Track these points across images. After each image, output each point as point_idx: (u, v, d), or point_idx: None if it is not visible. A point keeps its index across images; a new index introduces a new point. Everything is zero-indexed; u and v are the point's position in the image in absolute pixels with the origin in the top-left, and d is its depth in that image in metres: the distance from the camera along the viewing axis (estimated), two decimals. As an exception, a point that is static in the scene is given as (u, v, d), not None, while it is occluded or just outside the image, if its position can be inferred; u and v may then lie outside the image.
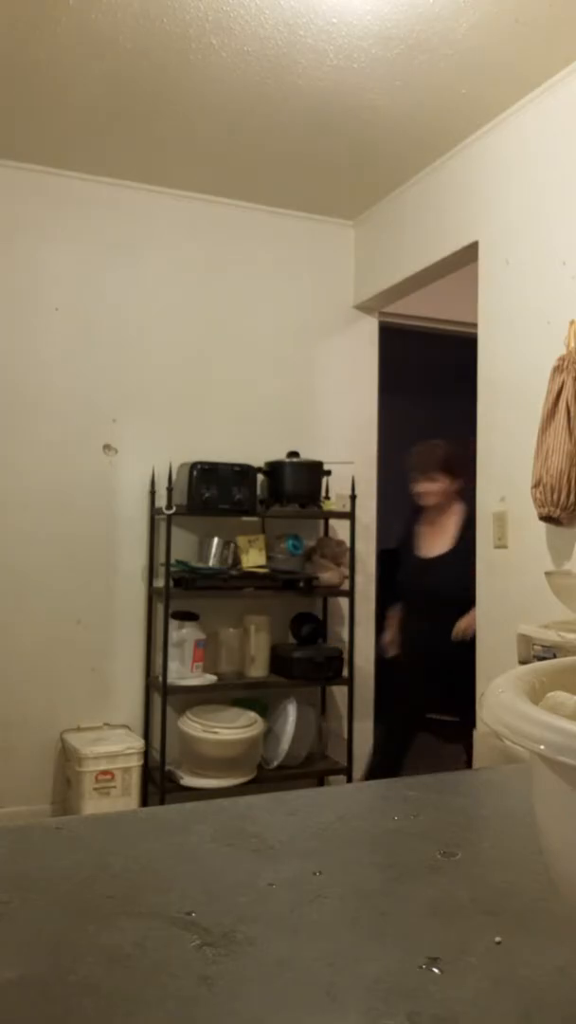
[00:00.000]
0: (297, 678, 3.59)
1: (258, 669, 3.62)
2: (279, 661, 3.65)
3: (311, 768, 3.67)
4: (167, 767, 3.44)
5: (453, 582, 3.21)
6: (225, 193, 3.78)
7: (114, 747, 3.34)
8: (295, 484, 3.60)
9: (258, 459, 3.66)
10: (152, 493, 3.63)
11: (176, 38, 2.63)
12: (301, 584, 3.63)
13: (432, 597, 3.30)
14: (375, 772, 3.44)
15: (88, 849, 0.66)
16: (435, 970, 0.47)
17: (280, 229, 3.96)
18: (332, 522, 3.98)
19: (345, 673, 3.73)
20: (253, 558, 3.64)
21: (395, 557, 3.58)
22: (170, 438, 3.69)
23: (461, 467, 3.30)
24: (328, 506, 3.80)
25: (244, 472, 3.55)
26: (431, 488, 3.29)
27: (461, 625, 3.21)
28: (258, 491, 3.64)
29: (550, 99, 2.85)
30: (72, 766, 3.33)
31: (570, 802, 0.38)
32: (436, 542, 3.33)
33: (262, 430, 3.81)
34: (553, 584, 2.35)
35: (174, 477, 3.60)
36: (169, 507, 3.50)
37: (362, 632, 3.98)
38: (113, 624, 3.65)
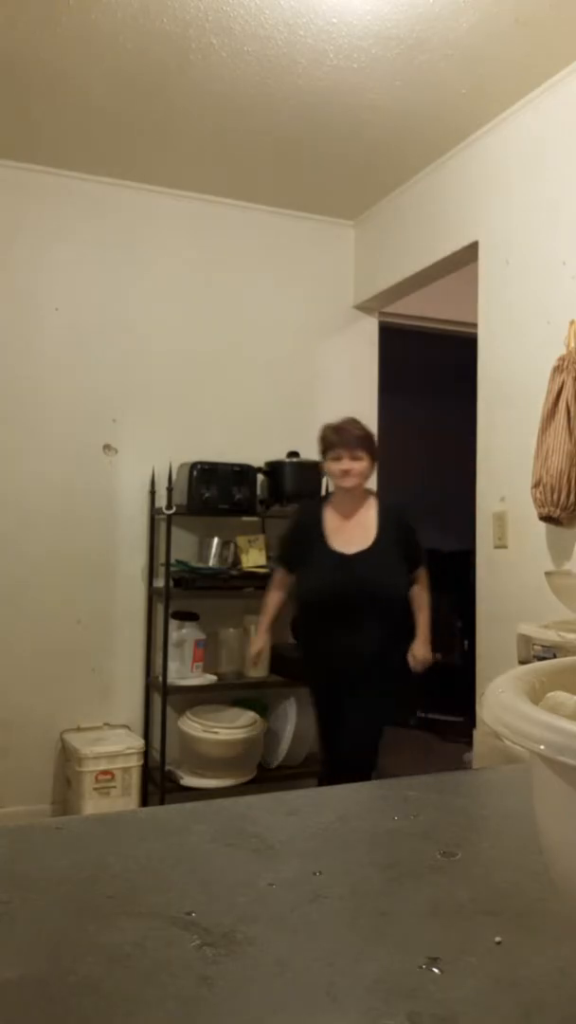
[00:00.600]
0: (297, 678, 3.59)
1: (258, 669, 3.62)
2: (279, 661, 3.65)
3: (311, 768, 3.67)
4: (167, 767, 3.44)
5: (380, 585, 2.77)
6: (225, 193, 3.78)
7: (114, 747, 3.33)
8: (295, 484, 3.60)
9: (258, 459, 3.66)
10: (152, 493, 3.63)
11: (176, 38, 2.63)
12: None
13: (352, 601, 2.76)
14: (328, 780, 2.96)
15: (88, 849, 0.66)
16: (435, 970, 0.47)
17: (280, 229, 3.95)
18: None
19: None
20: (253, 558, 3.64)
21: (304, 551, 2.91)
22: (170, 438, 3.69)
23: (375, 451, 2.92)
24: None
25: (244, 472, 3.55)
26: (355, 468, 2.80)
27: (419, 653, 2.89)
28: (258, 491, 3.64)
29: (550, 99, 2.85)
30: (72, 766, 3.33)
31: (570, 802, 0.38)
32: (354, 536, 2.82)
33: (262, 430, 3.81)
34: (553, 584, 2.35)
35: (174, 477, 3.59)
36: (169, 507, 3.50)
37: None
38: (113, 624, 3.65)
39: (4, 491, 3.47)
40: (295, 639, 3.13)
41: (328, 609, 2.79)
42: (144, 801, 3.41)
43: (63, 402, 3.56)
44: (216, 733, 3.38)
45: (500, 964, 0.48)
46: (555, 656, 2.12)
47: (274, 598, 3.05)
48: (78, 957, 0.48)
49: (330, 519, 2.87)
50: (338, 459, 2.80)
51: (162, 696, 3.45)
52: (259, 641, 3.13)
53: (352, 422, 2.86)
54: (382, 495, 2.97)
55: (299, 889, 0.58)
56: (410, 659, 2.90)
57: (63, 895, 0.57)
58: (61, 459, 3.55)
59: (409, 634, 2.92)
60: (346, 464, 2.79)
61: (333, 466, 2.82)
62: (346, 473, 2.80)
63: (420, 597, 2.93)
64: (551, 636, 2.19)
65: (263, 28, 2.58)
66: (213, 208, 3.83)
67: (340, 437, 2.81)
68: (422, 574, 2.93)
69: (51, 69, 2.81)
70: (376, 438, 3.04)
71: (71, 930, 0.52)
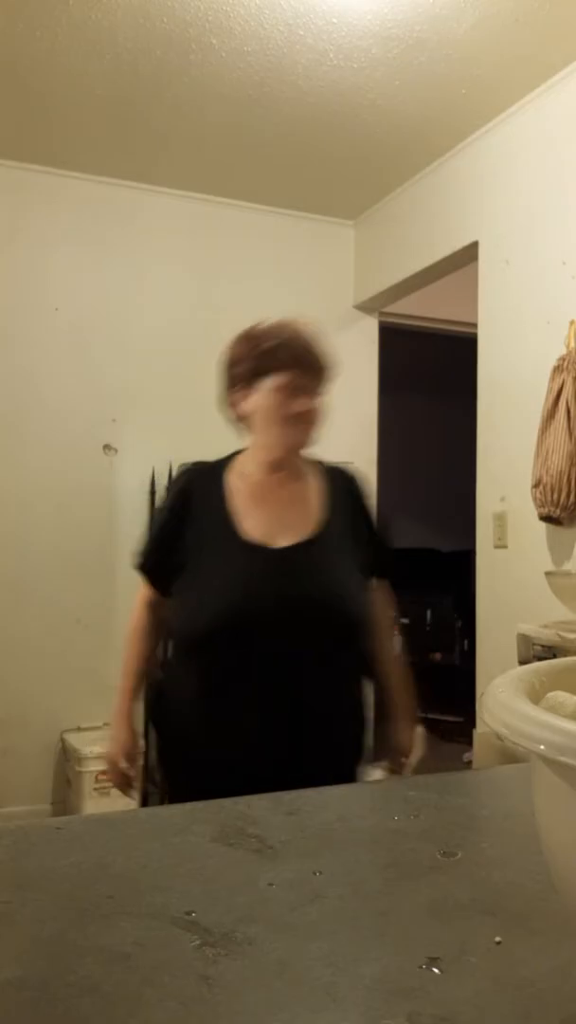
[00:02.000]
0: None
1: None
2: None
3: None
4: (167, 767, 3.44)
5: (336, 600, 1.52)
6: (225, 193, 3.78)
7: (114, 747, 3.33)
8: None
9: (258, 459, 3.65)
10: (152, 493, 3.63)
11: (176, 38, 2.63)
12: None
13: (289, 633, 1.47)
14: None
15: (88, 849, 0.66)
16: (435, 970, 0.47)
17: (280, 229, 3.95)
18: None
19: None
20: (253, 558, 3.63)
21: (191, 547, 1.60)
22: (170, 438, 3.69)
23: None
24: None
25: (244, 472, 3.54)
26: (319, 410, 1.59)
27: (403, 743, 1.65)
28: (258, 491, 3.63)
29: (550, 99, 2.85)
30: (72, 766, 3.33)
31: (570, 802, 0.38)
32: (284, 519, 1.57)
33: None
34: (553, 584, 2.35)
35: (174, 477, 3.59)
36: (169, 507, 3.49)
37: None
38: (113, 624, 3.64)
39: (4, 491, 3.47)
40: (156, 720, 1.70)
41: (241, 651, 1.45)
42: (144, 801, 3.40)
43: (63, 402, 3.56)
44: (216, 733, 3.37)
45: (500, 964, 0.48)
46: (555, 656, 2.12)
47: (139, 639, 1.74)
48: (78, 957, 0.48)
49: (239, 493, 1.59)
50: (292, 390, 1.54)
51: (162, 696, 3.45)
52: (119, 737, 1.68)
53: (309, 329, 1.65)
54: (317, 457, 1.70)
55: (299, 889, 0.58)
56: (388, 761, 1.66)
57: (63, 895, 0.57)
58: (61, 459, 3.55)
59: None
60: (306, 402, 1.55)
61: (280, 403, 1.54)
62: (306, 418, 1.56)
63: (385, 633, 1.68)
64: (551, 636, 2.19)
65: (263, 28, 2.58)
66: (213, 208, 3.83)
67: (300, 356, 1.57)
68: (384, 589, 1.69)
69: (51, 69, 2.81)
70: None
71: (71, 930, 0.52)
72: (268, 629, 1.46)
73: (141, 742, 1.76)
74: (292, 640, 1.47)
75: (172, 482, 1.76)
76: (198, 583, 1.52)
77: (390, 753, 1.65)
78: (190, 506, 1.61)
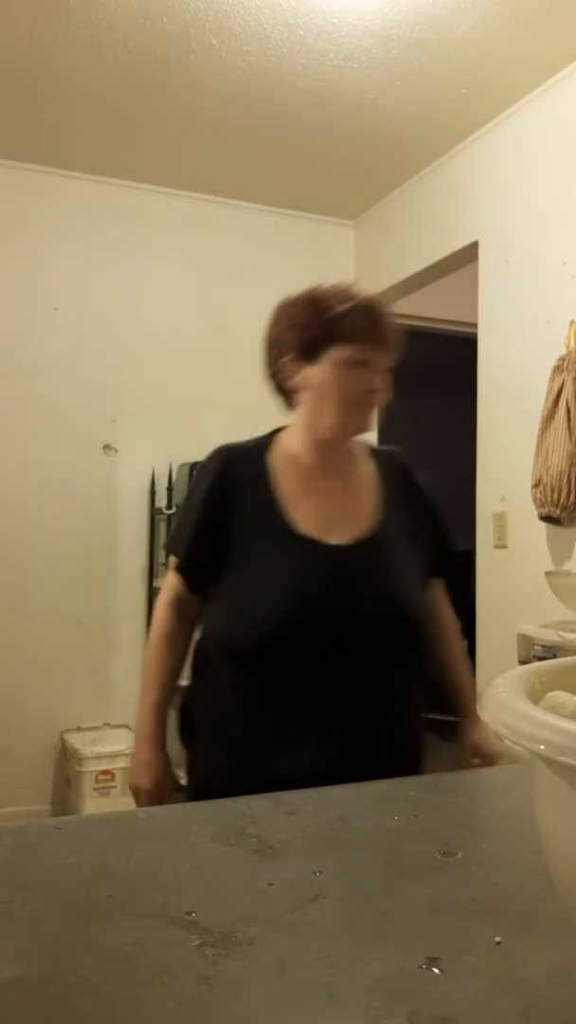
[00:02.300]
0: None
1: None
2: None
3: (311, 768, 3.66)
4: (167, 767, 3.44)
5: (408, 606, 1.35)
6: (225, 193, 3.78)
7: (114, 747, 3.33)
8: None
9: (258, 459, 3.65)
10: (152, 493, 3.63)
11: (176, 38, 2.63)
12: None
13: (356, 643, 1.30)
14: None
15: (88, 849, 0.66)
16: (435, 970, 0.47)
17: (280, 229, 3.95)
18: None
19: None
20: (253, 558, 3.63)
21: (237, 541, 1.38)
22: (170, 438, 3.69)
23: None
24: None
25: (244, 472, 3.54)
26: (384, 388, 1.39)
27: (483, 746, 1.51)
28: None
29: (550, 99, 2.85)
30: (72, 766, 3.33)
31: (570, 802, 0.38)
32: (342, 511, 1.40)
33: (262, 430, 3.80)
34: (553, 584, 2.35)
35: (174, 477, 3.59)
36: (169, 507, 3.50)
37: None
38: (113, 624, 3.65)
39: (4, 491, 3.47)
40: (191, 746, 1.45)
41: (298, 659, 1.28)
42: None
43: (63, 402, 3.56)
44: (216, 733, 3.37)
45: (500, 964, 0.48)
46: (555, 656, 2.12)
47: (164, 648, 1.44)
48: (78, 957, 0.48)
49: (286, 479, 1.39)
50: (358, 365, 1.34)
51: (162, 696, 3.45)
52: (146, 760, 1.47)
53: (380, 297, 1.43)
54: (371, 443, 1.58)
55: (299, 889, 0.58)
56: (468, 757, 1.52)
57: (63, 895, 0.57)
58: (61, 459, 3.55)
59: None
60: (371, 380, 1.36)
61: (344, 379, 1.34)
62: (370, 399, 1.38)
63: (452, 634, 1.57)
64: (551, 636, 2.19)
65: (263, 28, 2.58)
66: (213, 208, 3.83)
67: (371, 327, 1.36)
68: (442, 588, 1.56)
69: (51, 69, 2.81)
70: None
71: (71, 930, 0.52)
72: (329, 635, 1.29)
73: (178, 772, 1.49)
74: (354, 646, 1.30)
75: (205, 465, 1.46)
76: (248, 584, 1.32)
77: (477, 752, 1.51)
78: (231, 494, 1.38)
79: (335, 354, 1.34)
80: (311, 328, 1.35)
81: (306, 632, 1.28)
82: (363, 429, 1.41)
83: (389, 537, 1.39)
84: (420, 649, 1.40)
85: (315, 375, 1.36)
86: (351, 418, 1.37)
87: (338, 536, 1.35)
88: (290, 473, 1.40)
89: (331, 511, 1.39)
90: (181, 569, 1.42)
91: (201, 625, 1.43)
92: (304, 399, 1.39)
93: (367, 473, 1.47)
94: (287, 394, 1.44)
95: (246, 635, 1.30)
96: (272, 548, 1.33)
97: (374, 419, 1.40)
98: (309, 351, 1.36)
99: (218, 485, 1.39)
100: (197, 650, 1.44)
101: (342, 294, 1.38)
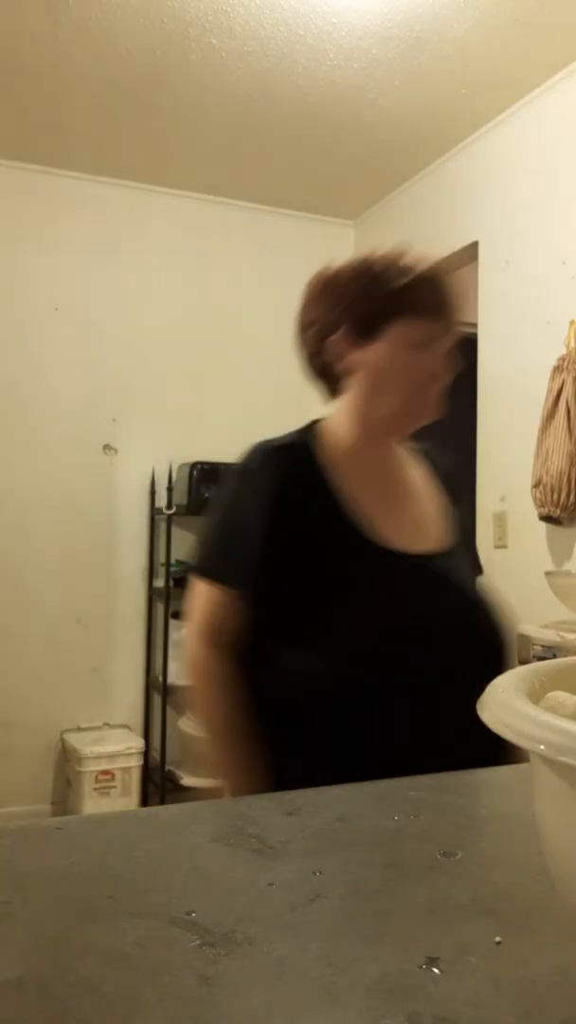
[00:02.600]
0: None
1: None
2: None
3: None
4: (167, 767, 3.44)
5: (494, 615, 1.26)
6: (225, 193, 3.78)
7: (114, 747, 3.33)
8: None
9: (258, 459, 3.65)
10: (152, 493, 3.63)
11: (176, 38, 2.63)
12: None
13: (449, 638, 1.14)
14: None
15: (88, 849, 0.66)
16: (435, 970, 0.47)
17: (280, 229, 3.95)
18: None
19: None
20: (253, 558, 3.63)
21: (313, 561, 1.16)
22: (170, 438, 3.69)
23: None
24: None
25: (244, 472, 3.54)
26: (446, 370, 1.21)
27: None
28: (258, 491, 3.63)
29: (550, 99, 2.85)
30: (72, 766, 3.33)
31: (570, 803, 0.38)
32: (412, 518, 1.24)
33: (262, 430, 3.78)
34: (553, 584, 2.35)
35: (174, 477, 3.59)
36: (169, 507, 3.50)
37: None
38: (113, 624, 3.65)
39: (4, 491, 3.47)
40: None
41: (401, 686, 1.10)
42: (144, 801, 3.40)
43: (63, 402, 3.56)
44: (216, 733, 3.37)
45: (500, 964, 0.48)
46: (555, 656, 2.12)
47: (221, 691, 1.15)
48: (78, 957, 0.48)
49: (347, 480, 1.18)
50: (425, 344, 1.17)
51: (162, 696, 3.45)
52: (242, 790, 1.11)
53: (442, 265, 1.25)
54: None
55: (299, 889, 0.58)
56: None
57: (63, 895, 0.57)
58: (61, 459, 3.55)
59: None
60: (437, 361, 1.19)
61: (411, 359, 1.17)
62: (436, 383, 1.20)
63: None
64: (551, 636, 2.19)
65: (263, 28, 2.58)
66: (213, 208, 3.83)
67: (439, 300, 1.20)
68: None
69: (51, 69, 2.81)
70: None
71: (71, 930, 0.52)
72: (432, 657, 1.11)
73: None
74: (453, 666, 1.09)
75: (251, 469, 1.19)
76: (334, 608, 1.09)
77: None
78: (292, 503, 1.14)
79: (399, 331, 1.15)
80: (368, 301, 1.16)
81: (413, 653, 1.09)
82: (427, 418, 1.22)
83: (455, 543, 1.26)
84: (503, 656, 1.21)
85: (374, 355, 1.16)
86: (416, 406, 1.20)
87: (418, 544, 1.18)
88: (349, 473, 1.18)
89: (403, 516, 1.21)
90: (245, 600, 1.13)
91: (259, 671, 1.13)
92: (358, 384, 1.19)
93: (418, 470, 1.30)
94: (331, 380, 1.23)
95: (339, 665, 1.08)
96: (358, 565, 1.13)
97: (438, 407, 1.21)
98: (365, 328, 1.16)
99: (276, 493, 1.15)
100: (265, 707, 1.12)
101: (405, 262, 1.19)
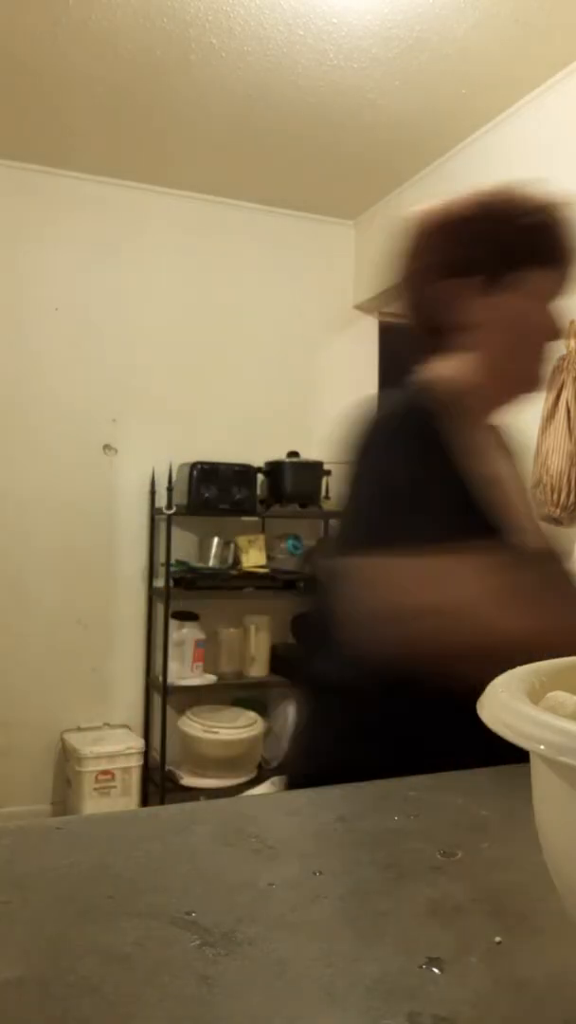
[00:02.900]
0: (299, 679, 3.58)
1: (258, 669, 3.62)
2: (279, 661, 3.65)
3: (311, 768, 3.66)
4: (167, 767, 3.44)
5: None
6: (225, 193, 3.78)
7: (114, 747, 3.33)
8: (295, 484, 3.60)
9: (258, 459, 3.66)
10: (152, 493, 3.63)
11: (176, 38, 2.63)
12: (301, 584, 3.64)
13: None
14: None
15: (88, 849, 0.66)
16: (435, 970, 0.47)
17: (280, 229, 3.95)
18: (332, 522, 3.98)
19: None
20: (253, 558, 3.64)
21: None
22: (170, 438, 3.69)
23: None
24: (328, 506, 3.80)
25: (244, 472, 3.55)
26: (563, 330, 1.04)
27: None
28: (258, 491, 3.64)
29: (550, 99, 2.85)
30: (72, 766, 3.33)
31: (570, 803, 0.38)
32: (529, 510, 1.20)
33: (262, 430, 3.81)
34: (553, 584, 2.35)
35: (174, 477, 3.59)
36: (169, 507, 3.50)
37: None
38: (113, 624, 3.65)
39: (4, 491, 3.47)
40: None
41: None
42: (144, 801, 3.40)
43: (63, 402, 3.56)
44: (216, 733, 3.38)
45: (500, 964, 0.48)
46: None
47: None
48: (78, 957, 0.48)
49: (480, 455, 1.03)
50: (554, 297, 1.05)
51: (162, 696, 3.45)
52: None
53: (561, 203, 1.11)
54: None
55: (299, 889, 0.58)
56: None
57: (63, 895, 0.57)
58: (61, 459, 3.55)
59: None
60: (561, 317, 1.06)
61: (543, 313, 1.04)
62: (556, 342, 1.07)
63: None
64: (551, 636, 2.19)
65: (263, 28, 2.58)
66: (213, 208, 3.83)
67: (566, 246, 1.06)
68: None
69: (51, 69, 2.81)
70: None
71: (71, 930, 0.52)
72: None
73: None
74: None
75: (407, 427, 1.00)
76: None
77: None
78: (444, 461, 0.97)
79: (537, 280, 0.99)
80: (498, 242, 1.01)
81: None
82: (538, 388, 1.07)
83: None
84: None
85: (509, 306, 0.99)
86: (534, 372, 1.03)
87: (533, 539, 1.05)
88: (473, 446, 1.00)
89: (522, 503, 1.07)
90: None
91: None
92: (484, 339, 1.02)
93: (507, 454, 1.12)
94: (440, 334, 1.05)
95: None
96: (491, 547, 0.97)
97: (546, 377, 1.07)
98: (495, 273, 1.00)
99: (441, 455, 0.98)
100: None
101: (526, 200, 1.07)
